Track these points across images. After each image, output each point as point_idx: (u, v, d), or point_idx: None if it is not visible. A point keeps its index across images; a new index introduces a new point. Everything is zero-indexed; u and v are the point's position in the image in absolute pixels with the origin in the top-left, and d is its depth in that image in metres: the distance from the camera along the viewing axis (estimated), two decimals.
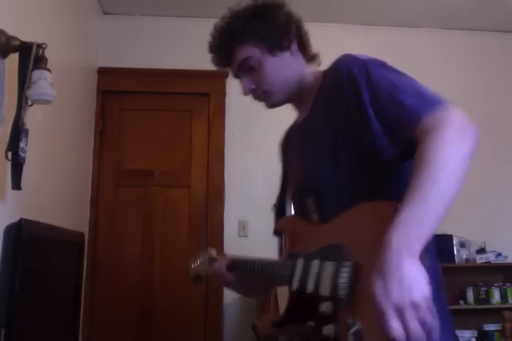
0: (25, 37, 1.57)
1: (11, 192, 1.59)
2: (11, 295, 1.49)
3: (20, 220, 1.58)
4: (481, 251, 3.12)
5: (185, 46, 3.31)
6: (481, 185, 3.36)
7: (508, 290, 3.03)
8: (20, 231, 1.55)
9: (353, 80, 0.99)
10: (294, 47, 1.17)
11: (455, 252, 3.06)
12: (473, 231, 3.18)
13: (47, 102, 1.55)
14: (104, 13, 3.27)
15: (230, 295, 2.97)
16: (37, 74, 1.51)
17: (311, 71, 1.20)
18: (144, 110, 3.26)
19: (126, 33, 3.29)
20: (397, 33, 3.48)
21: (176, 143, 3.23)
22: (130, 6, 3.21)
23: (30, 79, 1.50)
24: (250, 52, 1.13)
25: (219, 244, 3.06)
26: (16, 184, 1.53)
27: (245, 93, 1.18)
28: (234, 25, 1.15)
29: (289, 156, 1.28)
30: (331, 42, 3.43)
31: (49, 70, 1.54)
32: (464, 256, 3.11)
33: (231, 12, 1.18)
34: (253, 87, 1.16)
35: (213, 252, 1.41)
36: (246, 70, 1.16)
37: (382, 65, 1.04)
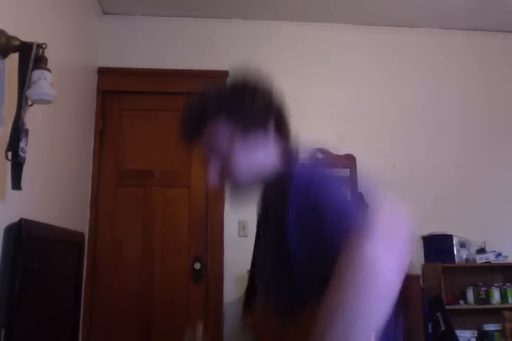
0: (25, 37, 1.57)
1: (11, 192, 1.58)
2: (11, 295, 1.49)
3: (20, 220, 1.58)
4: (481, 251, 3.12)
5: (185, 46, 3.31)
6: (481, 185, 3.36)
7: (508, 290, 3.03)
8: (20, 231, 1.56)
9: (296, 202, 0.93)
10: (270, 131, 1.06)
11: (455, 252, 3.06)
12: (473, 231, 3.18)
13: (47, 102, 1.55)
14: (104, 13, 3.27)
15: (230, 295, 2.97)
16: (37, 74, 1.51)
17: (286, 158, 1.08)
18: (144, 110, 3.26)
19: (126, 33, 3.29)
20: (397, 33, 3.48)
21: (176, 143, 3.20)
22: (130, 6, 3.21)
23: (30, 79, 1.50)
24: (223, 130, 1.03)
25: (219, 244, 3.06)
26: (16, 184, 1.53)
27: (212, 181, 1.06)
28: (209, 105, 1.04)
29: (260, 223, 1.17)
30: (331, 43, 3.45)
31: (49, 70, 1.54)
32: (464, 256, 3.11)
33: (211, 87, 1.09)
34: (219, 174, 1.05)
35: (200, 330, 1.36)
36: (214, 152, 1.05)
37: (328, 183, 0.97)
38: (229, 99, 1.05)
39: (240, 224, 3.12)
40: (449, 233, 3.11)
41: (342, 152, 3.29)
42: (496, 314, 2.69)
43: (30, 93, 1.50)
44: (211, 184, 1.06)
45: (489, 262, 3.06)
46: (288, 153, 1.09)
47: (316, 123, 3.32)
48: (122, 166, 3.17)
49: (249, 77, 1.09)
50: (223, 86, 1.08)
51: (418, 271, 3.09)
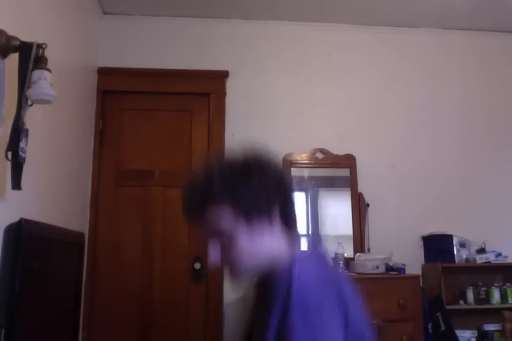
0: (25, 37, 1.57)
1: (11, 192, 1.58)
2: (11, 295, 1.49)
3: (20, 220, 1.58)
4: (481, 251, 3.12)
5: (185, 46, 3.31)
6: (482, 185, 3.36)
7: (508, 290, 3.03)
8: (20, 231, 1.55)
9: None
10: (275, 218, 1.02)
11: (455, 252, 3.06)
12: (473, 231, 3.18)
13: (47, 102, 1.55)
14: (104, 13, 3.27)
15: (230, 295, 2.97)
16: (37, 74, 1.50)
17: (288, 248, 1.03)
18: (144, 110, 3.26)
19: (126, 33, 3.29)
20: (398, 32, 3.48)
21: (176, 143, 3.23)
22: (130, 6, 3.21)
23: (30, 79, 1.50)
24: (224, 215, 0.99)
25: None
26: (16, 184, 1.52)
27: (212, 261, 1.02)
28: (213, 186, 0.99)
29: (253, 312, 1.11)
30: (331, 43, 3.45)
31: (49, 70, 1.54)
32: (464, 256, 3.11)
33: (217, 164, 1.03)
34: (219, 255, 1.02)
35: None
36: (215, 234, 1.01)
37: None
38: (234, 181, 0.99)
39: None
40: (449, 233, 3.11)
41: (342, 152, 3.29)
42: (496, 314, 2.68)
43: (30, 93, 1.50)
44: (211, 262, 1.02)
45: (489, 262, 3.06)
46: (290, 244, 1.04)
47: (316, 123, 3.32)
48: (122, 166, 3.17)
49: (257, 156, 1.05)
50: (230, 164, 1.02)
51: (418, 271, 3.09)
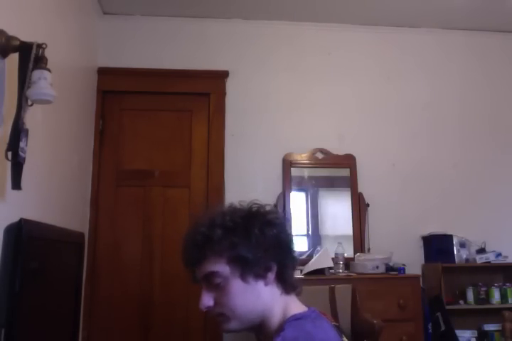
0: (25, 37, 1.57)
1: (11, 192, 1.58)
2: (11, 295, 1.49)
3: (20, 220, 1.58)
4: (481, 251, 3.12)
5: (185, 46, 3.31)
6: (482, 185, 3.36)
7: (508, 290, 3.03)
8: (20, 231, 1.55)
9: None
10: (272, 276, 1.01)
11: (455, 252, 3.06)
12: (473, 231, 3.18)
13: (47, 102, 1.55)
14: (104, 13, 3.27)
15: None
16: (37, 74, 1.50)
17: (282, 307, 1.02)
18: (144, 110, 3.26)
19: (126, 33, 3.29)
20: (398, 32, 3.48)
21: (176, 143, 3.23)
22: (130, 6, 3.21)
23: (30, 79, 1.50)
24: (220, 267, 0.99)
25: None
26: (16, 184, 1.52)
27: (202, 307, 1.02)
28: (213, 232, 1.00)
29: None
30: (331, 42, 3.45)
31: (49, 70, 1.54)
32: (464, 256, 3.11)
33: (217, 217, 1.03)
34: (211, 304, 1.02)
35: None
36: (210, 283, 1.01)
37: None
38: (233, 238, 0.99)
39: None
40: (449, 233, 3.12)
41: (342, 152, 3.29)
42: (495, 314, 2.68)
43: (30, 93, 1.49)
44: (200, 308, 1.02)
45: (489, 262, 3.06)
46: (285, 305, 1.03)
47: (316, 123, 3.33)
48: (122, 166, 3.17)
49: (259, 213, 1.06)
50: (231, 219, 1.02)
51: (418, 271, 3.09)
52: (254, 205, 1.08)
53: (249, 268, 0.99)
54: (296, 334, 0.93)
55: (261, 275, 1.00)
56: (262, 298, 1.00)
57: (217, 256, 0.99)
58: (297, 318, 0.99)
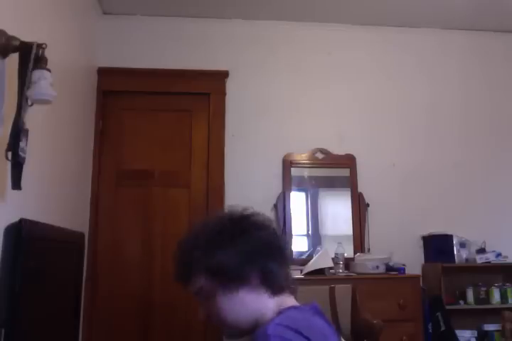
0: (25, 37, 1.57)
1: (11, 192, 1.58)
2: (11, 295, 1.49)
3: (20, 220, 1.58)
4: (481, 251, 3.12)
5: (185, 46, 3.31)
6: (482, 185, 3.36)
7: (508, 290, 3.03)
8: (20, 231, 1.55)
9: None
10: (256, 281, 1.00)
11: (455, 252, 3.06)
12: (473, 231, 3.18)
13: (47, 102, 1.55)
14: (104, 13, 3.27)
15: None
16: (37, 74, 1.50)
17: (272, 309, 1.02)
18: (144, 110, 3.26)
19: (126, 33, 3.29)
20: (398, 33, 3.48)
21: (176, 143, 3.23)
22: (130, 6, 3.21)
23: (30, 79, 1.50)
24: (203, 282, 1.02)
25: None
26: (16, 184, 1.52)
27: (200, 317, 1.06)
28: (192, 252, 1.02)
29: None
30: (332, 43, 3.45)
31: (49, 70, 1.54)
32: (464, 256, 3.11)
33: (196, 231, 1.07)
34: (203, 318, 1.05)
35: None
36: (200, 298, 1.05)
37: None
38: (210, 249, 1.00)
39: None
40: (449, 233, 3.11)
41: (342, 152, 3.29)
42: (495, 314, 2.68)
43: (30, 93, 1.49)
44: (199, 318, 1.06)
45: (489, 262, 3.06)
46: (276, 304, 1.02)
47: (316, 123, 3.33)
48: (122, 166, 3.17)
49: (238, 220, 1.04)
50: (210, 230, 1.04)
51: (418, 271, 3.09)
52: (232, 213, 1.07)
53: (229, 279, 0.99)
54: (279, 321, 0.93)
55: (243, 284, 1.00)
56: (250, 305, 1.01)
57: (198, 273, 1.02)
58: (287, 310, 1.00)
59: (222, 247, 1.00)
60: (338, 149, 3.29)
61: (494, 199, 3.33)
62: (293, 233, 3.14)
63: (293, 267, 2.85)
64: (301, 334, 0.90)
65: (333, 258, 2.90)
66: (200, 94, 3.29)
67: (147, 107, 3.26)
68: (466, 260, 3.11)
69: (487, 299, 3.03)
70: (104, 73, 3.18)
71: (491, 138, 3.45)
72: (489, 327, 3.01)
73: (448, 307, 2.89)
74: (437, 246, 3.14)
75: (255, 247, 1.01)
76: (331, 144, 3.29)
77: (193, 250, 1.02)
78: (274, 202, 3.14)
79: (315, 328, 0.96)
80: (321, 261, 2.87)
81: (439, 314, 2.86)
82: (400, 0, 3.15)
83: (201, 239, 1.03)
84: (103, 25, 3.22)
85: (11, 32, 1.54)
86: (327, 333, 0.98)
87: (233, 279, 0.99)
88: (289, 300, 1.05)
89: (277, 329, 0.89)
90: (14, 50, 1.54)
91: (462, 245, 3.11)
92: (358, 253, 3.03)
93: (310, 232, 3.24)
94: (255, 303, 1.01)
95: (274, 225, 1.10)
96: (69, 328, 2.19)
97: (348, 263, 2.96)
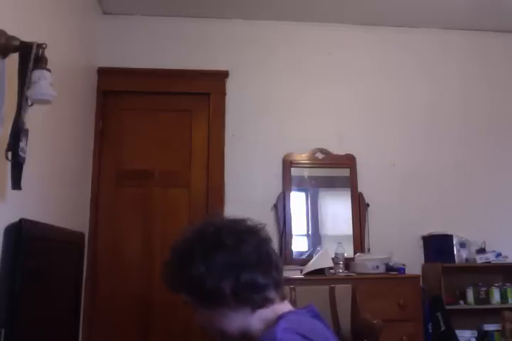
0: (25, 37, 1.57)
1: (11, 192, 1.58)
2: (11, 295, 1.49)
3: (20, 220, 1.58)
4: (481, 251, 3.12)
5: (185, 46, 3.31)
6: (482, 185, 3.36)
7: (508, 290, 3.03)
8: (20, 231, 1.55)
9: None
10: (233, 297, 0.95)
11: (455, 252, 3.06)
12: (473, 231, 3.18)
13: (47, 102, 1.55)
14: (104, 13, 3.27)
15: None
16: (37, 74, 1.50)
17: (258, 323, 0.99)
18: (144, 110, 3.26)
19: (126, 33, 3.29)
20: (398, 33, 3.48)
21: (176, 143, 3.23)
22: (130, 6, 3.21)
23: (30, 79, 1.50)
24: (186, 298, 1.01)
25: None
26: (16, 184, 1.52)
27: (198, 324, 1.06)
28: (170, 267, 1.02)
29: None
30: (332, 43, 3.45)
31: (49, 70, 1.54)
32: (464, 256, 3.11)
33: (177, 241, 1.05)
34: (199, 322, 1.05)
35: None
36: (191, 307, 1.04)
37: None
38: (183, 270, 0.98)
39: None
40: (449, 233, 3.11)
41: (342, 152, 3.30)
42: (495, 314, 2.68)
43: (30, 93, 1.50)
44: (198, 324, 1.05)
45: (489, 262, 3.06)
46: (263, 317, 0.99)
47: (316, 123, 3.33)
48: (122, 166, 3.17)
49: (207, 235, 1.00)
50: (181, 250, 1.02)
51: (418, 271, 3.09)
52: (208, 225, 1.04)
53: (204, 297, 0.97)
54: (285, 325, 0.91)
55: (219, 300, 0.96)
56: (234, 320, 0.98)
57: (179, 289, 1.01)
58: (285, 315, 0.98)
59: (194, 265, 0.96)
60: (338, 149, 3.29)
61: (494, 199, 3.33)
62: (293, 233, 3.14)
63: (293, 267, 2.86)
64: (308, 339, 0.89)
65: (333, 258, 2.90)
66: (200, 94, 3.29)
67: (147, 107, 3.26)
68: (466, 260, 3.11)
69: (487, 299, 3.03)
70: (104, 73, 3.18)
71: (491, 138, 3.45)
72: (489, 327, 3.01)
73: (448, 307, 2.89)
74: (437, 246, 3.14)
75: (231, 262, 0.96)
76: (331, 144, 3.29)
77: (170, 267, 1.02)
78: (274, 202, 3.14)
79: (318, 332, 0.96)
80: (321, 261, 2.87)
81: (439, 314, 2.86)
82: (399, 0, 3.15)
83: (175, 256, 1.02)
84: (103, 25, 3.22)
85: (11, 32, 1.54)
86: (328, 336, 0.99)
87: (208, 297, 0.96)
88: (284, 307, 1.03)
89: (286, 335, 0.88)
90: (14, 50, 1.54)
91: (462, 245, 3.11)
92: (358, 253, 3.03)
93: (310, 232, 3.24)
94: (238, 319, 0.98)
95: (262, 232, 1.04)
96: (69, 328, 2.19)
97: (348, 263, 2.96)
